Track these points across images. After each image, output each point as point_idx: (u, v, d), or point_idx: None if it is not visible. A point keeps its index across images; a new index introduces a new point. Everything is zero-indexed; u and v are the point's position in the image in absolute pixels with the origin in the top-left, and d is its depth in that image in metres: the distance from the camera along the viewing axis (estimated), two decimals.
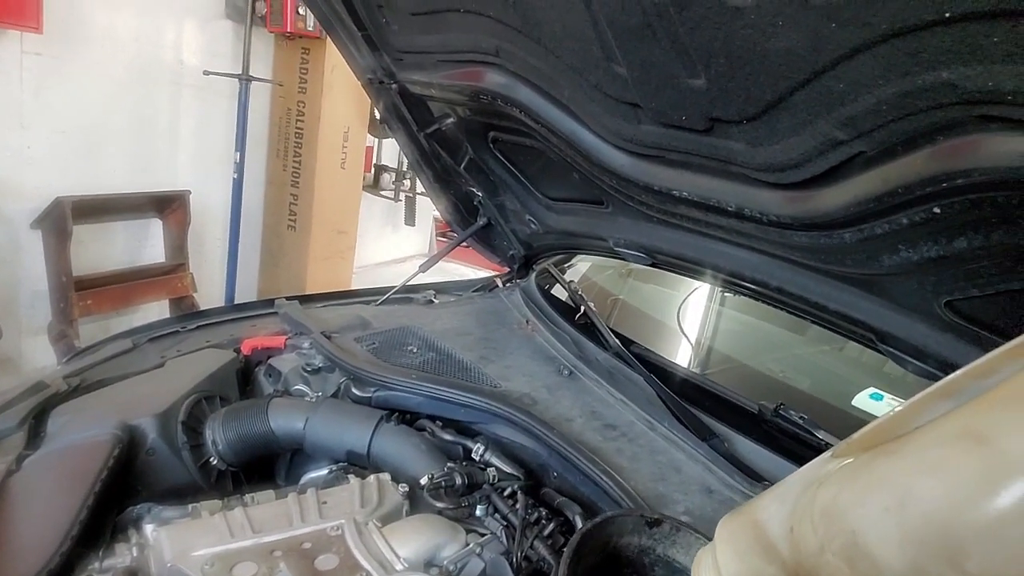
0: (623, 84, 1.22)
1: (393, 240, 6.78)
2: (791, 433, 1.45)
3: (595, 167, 1.53)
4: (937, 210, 0.92)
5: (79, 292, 3.60)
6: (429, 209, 6.66)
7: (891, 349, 1.26)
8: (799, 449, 1.42)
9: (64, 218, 3.45)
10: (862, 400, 1.73)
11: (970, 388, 0.58)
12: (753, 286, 1.47)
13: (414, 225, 6.37)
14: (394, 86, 1.93)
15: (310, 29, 4.31)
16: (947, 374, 0.61)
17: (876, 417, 1.67)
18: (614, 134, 1.38)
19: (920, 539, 0.53)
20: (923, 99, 0.82)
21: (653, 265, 1.77)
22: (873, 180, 0.97)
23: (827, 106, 0.94)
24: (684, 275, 1.80)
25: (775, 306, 1.51)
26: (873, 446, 0.63)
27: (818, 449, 1.40)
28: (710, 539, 0.99)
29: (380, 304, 2.20)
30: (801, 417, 1.43)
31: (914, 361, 1.22)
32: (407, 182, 6.00)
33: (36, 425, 1.39)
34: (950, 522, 0.52)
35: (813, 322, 1.45)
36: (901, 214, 0.97)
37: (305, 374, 1.70)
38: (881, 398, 1.70)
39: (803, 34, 0.87)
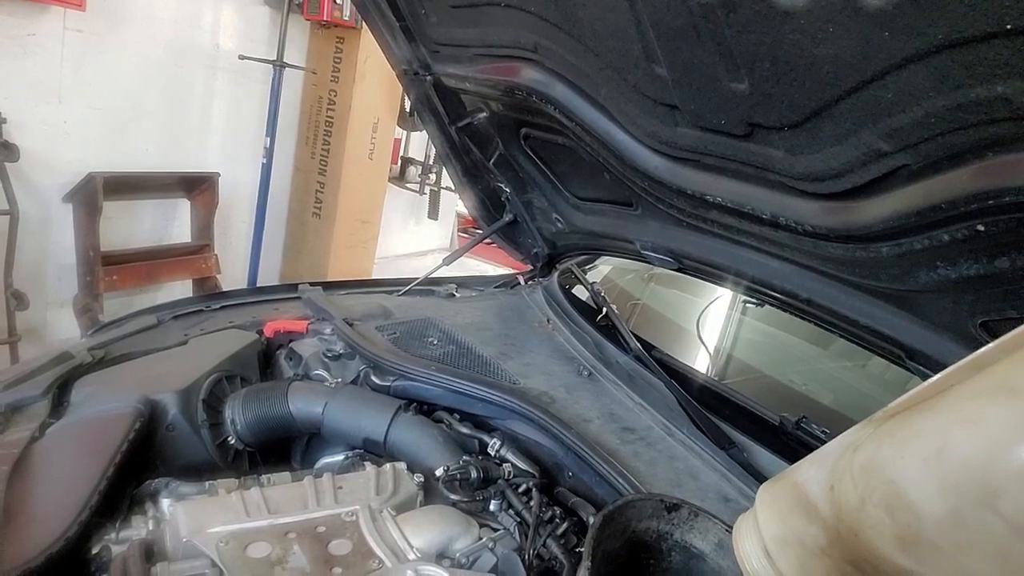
0: (662, 85, 1.21)
1: (415, 233, 6.79)
2: (812, 447, 1.42)
3: (627, 168, 1.52)
4: (981, 227, 0.89)
5: (105, 267, 3.64)
6: (452, 204, 6.68)
7: (920, 367, 1.24)
8: None
9: (95, 193, 3.50)
10: None
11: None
12: (782, 296, 1.45)
13: (437, 219, 6.38)
14: (429, 78, 1.93)
15: (346, 19, 4.33)
16: None
17: None
18: (649, 136, 1.37)
19: (957, 485, 0.56)
20: (975, 113, 0.80)
21: (680, 270, 1.76)
22: (916, 194, 0.95)
23: (873, 116, 0.93)
24: (711, 282, 1.78)
25: (803, 317, 1.49)
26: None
27: None
28: (728, 525, 0.99)
29: (402, 295, 2.21)
30: (823, 431, 1.41)
31: None
32: (432, 176, 6.01)
33: (60, 394, 1.41)
34: (986, 468, 0.55)
35: (841, 335, 1.43)
36: (942, 230, 0.95)
37: (325, 359, 1.71)
38: None
39: (853, 41, 0.86)
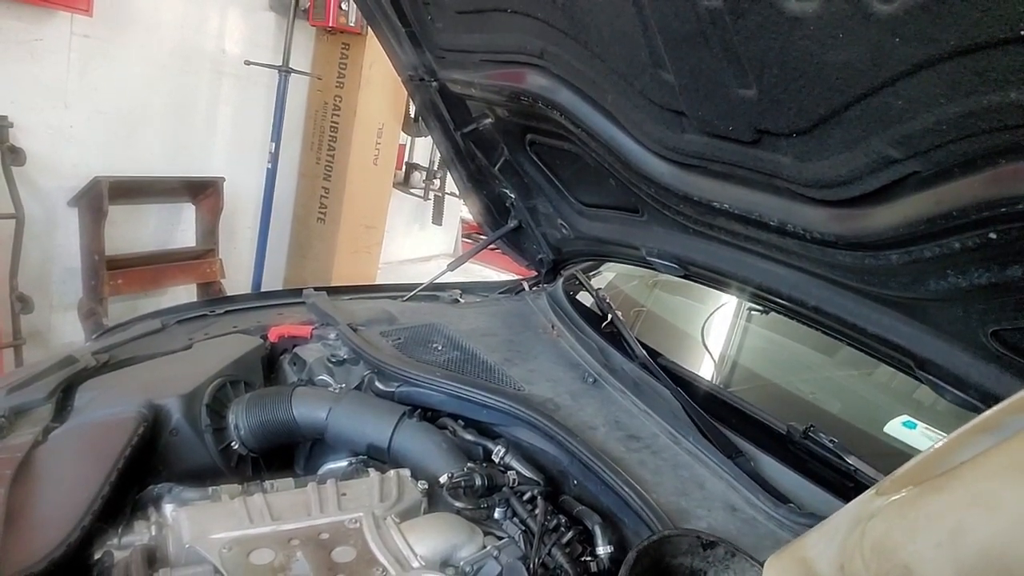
0: (669, 91, 1.21)
1: (419, 238, 6.80)
2: (820, 456, 1.41)
3: (633, 174, 1.51)
4: (993, 235, 0.88)
5: (110, 271, 3.65)
6: (457, 209, 6.68)
7: (930, 376, 1.22)
8: (828, 473, 1.38)
9: (100, 197, 3.51)
10: (894, 427, 1.68)
11: (1009, 423, 0.59)
12: (789, 304, 1.44)
13: (441, 224, 6.39)
14: (434, 84, 1.93)
15: (351, 24, 4.34)
16: (988, 406, 0.62)
17: (909, 445, 1.61)
18: (656, 142, 1.37)
19: (975, 571, 0.54)
20: (987, 120, 0.80)
21: (686, 277, 1.75)
22: (926, 201, 0.94)
23: (883, 123, 0.92)
24: (718, 288, 1.77)
25: (811, 325, 1.48)
26: (918, 482, 0.63)
27: (847, 474, 1.36)
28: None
29: (406, 300, 2.20)
30: (831, 441, 1.40)
31: (954, 390, 1.18)
32: (437, 181, 6.03)
33: (64, 398, 1.41)
34: (1005, 553, 0.52)
35: (849, 344, 1.42)
36: (953, 238, 0.94)
37: (330, 365, 1.71)
38: (915, 426, 1.66)
39: (863, 48, 0.85)
